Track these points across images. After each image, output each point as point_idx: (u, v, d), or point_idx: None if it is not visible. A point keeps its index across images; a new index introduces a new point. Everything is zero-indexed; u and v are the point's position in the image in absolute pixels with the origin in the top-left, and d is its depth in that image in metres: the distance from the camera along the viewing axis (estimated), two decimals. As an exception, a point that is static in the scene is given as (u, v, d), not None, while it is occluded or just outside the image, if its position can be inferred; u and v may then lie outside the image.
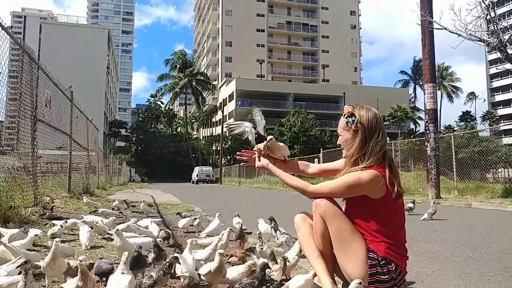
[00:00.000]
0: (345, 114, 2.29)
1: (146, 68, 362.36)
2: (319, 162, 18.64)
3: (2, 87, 5.17)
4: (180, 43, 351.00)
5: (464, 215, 8.34)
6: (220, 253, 2.33)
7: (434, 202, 7.32)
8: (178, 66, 64.82)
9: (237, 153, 2.82)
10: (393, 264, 2.12)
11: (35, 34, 68.92)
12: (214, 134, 69.95)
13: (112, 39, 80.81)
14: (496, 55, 12.56)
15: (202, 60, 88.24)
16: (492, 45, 11.26)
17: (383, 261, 2.11)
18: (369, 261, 2.11)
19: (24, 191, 5.56)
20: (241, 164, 2.81)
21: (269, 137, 2.61)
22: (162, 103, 76.50)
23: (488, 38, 11.38)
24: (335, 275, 2.26)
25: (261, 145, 2.59)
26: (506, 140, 22.85)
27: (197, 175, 44.29)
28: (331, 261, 2.22)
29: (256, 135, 2.68)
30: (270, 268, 2.46)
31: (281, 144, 2.67)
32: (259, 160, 2.59)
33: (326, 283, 2.12)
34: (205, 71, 77.15)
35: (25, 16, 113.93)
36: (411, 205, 7.78)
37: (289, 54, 79.55)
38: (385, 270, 2.11)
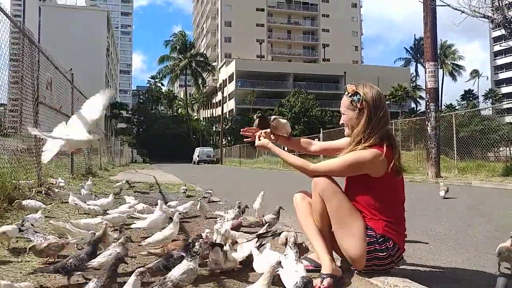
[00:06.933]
0: (348, 93, 2.27)
1: (142, 51, 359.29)
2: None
3: (4, 71, 5.17)
4: (177, 25, 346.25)
5: (464, 193, 8.41)
6: None
7: (443, 184, 7.36)
8: (178, 47, 64.32)
9: (242, 129, 2.82)
10: (391, 242, 2.16)
11: (35, 16, 67.94)
12: (214, 115, 69.78)
13: (112, 20, 79.80)
14: (500, 32, 12.46)
15: (201, 41, 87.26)
16: (497, 22, 11.11)
17: (381, 239, 2.15)
18: (367, 238, 2.15)
19: (28, 172, 5.65)
20: (245, 140, 2.79)
21: (272, 117, 2.63)
22: (162, 85, 76.13)
23: (493, 14, 11.22)
24: (333, 252, 2.30)
25: (256, 123, 2.65)
26: (509, 118, 22.77)
27: (198, 156, 44.45)
28: (329, 239, 2.25)
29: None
30: None
31: (284, 120, 2.68)
32: (259, 140, 2.60)
33: (325, 261, 2.16)
34: (205, 51, 76.37)
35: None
36: None
37: (289, 34, 78.40)
38: (383, 247, 2.15)
